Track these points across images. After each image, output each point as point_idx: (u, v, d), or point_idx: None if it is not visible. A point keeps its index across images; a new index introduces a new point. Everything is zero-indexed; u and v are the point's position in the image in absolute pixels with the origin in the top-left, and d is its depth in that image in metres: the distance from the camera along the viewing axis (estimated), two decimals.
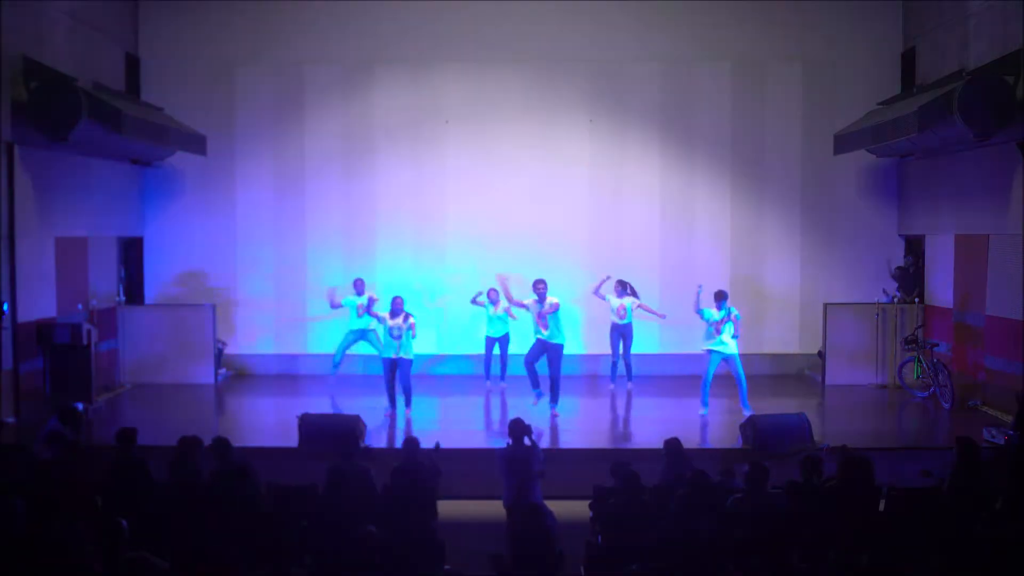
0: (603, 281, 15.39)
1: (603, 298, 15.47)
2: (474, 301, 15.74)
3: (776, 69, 17.30)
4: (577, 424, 13.48)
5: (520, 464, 9.46)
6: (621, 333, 15.47)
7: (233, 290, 17.27)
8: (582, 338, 16.96)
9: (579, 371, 16.53)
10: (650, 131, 17.28)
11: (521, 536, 7.35)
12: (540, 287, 13.58)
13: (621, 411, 14.74)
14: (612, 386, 15.67)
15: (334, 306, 15.85)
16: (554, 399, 13.59)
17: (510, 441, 9.64)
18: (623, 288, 15.42)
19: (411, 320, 13.40)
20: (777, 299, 17.22)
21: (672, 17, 17.21)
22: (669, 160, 17.31)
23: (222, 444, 9.14)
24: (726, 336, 13.43)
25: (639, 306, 15.49)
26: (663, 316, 15.63)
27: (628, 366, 15.58)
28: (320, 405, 13.71)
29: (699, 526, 7.34)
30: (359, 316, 15.71)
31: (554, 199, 17.21)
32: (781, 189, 17.34)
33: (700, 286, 13.76)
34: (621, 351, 15.56)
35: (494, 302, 15.50)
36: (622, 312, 15.37)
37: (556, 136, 17.25)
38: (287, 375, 17.14)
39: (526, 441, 9.63)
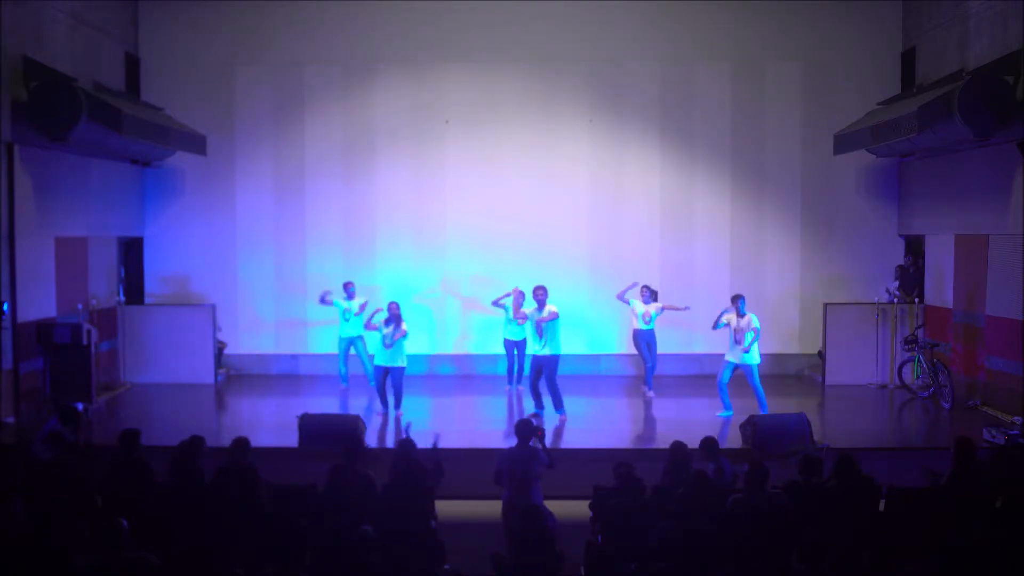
0: (630, 287, 15.21)
1: (627, 303, 15.27)
2: (496, 303, 15.63)
3: (776, 69, 17.30)
4: (577, 424, 13.46)
5: (522, 464, 9.45)
6: (647, 340, 15.31)
7: (233, 290, 17.27)
8: (584, 339, 16.97)
9: (580, 371, 16.53)
10: (650, 131, 17.28)
11: (519, 537, 7.35)
12: (540, 294, 13.38)
13: (621, 411, 14.73)
14: (652, 393, 15.25)
15: (323, 302, 15.75)
16: (558, 406, 13.48)
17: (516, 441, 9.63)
18: (651, 295, 15.31)
19: (403, 327, 13.45)
20: (777, 299, 17.22)
21: (672, 17, 17.22)
22: (669, 160, 17.31)
23: (241, 444, 9.14)
24: (746, 344, 13.24)
25: (664, 308, 15.31)
26: (687, 307, 15.43)
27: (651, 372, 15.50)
28: (320, 405, 13.70)
29: (699, 526, 7.33)
30: (347, 321, 15.58)
31: (554, 199, 17.22)
32: (781, 189, 17.34)
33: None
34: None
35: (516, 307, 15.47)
36: (647, 318, 15.24)
37: (556, 136, 17.26)
38: (287, 375, 17.15)
39: (532, 443, 9.61)
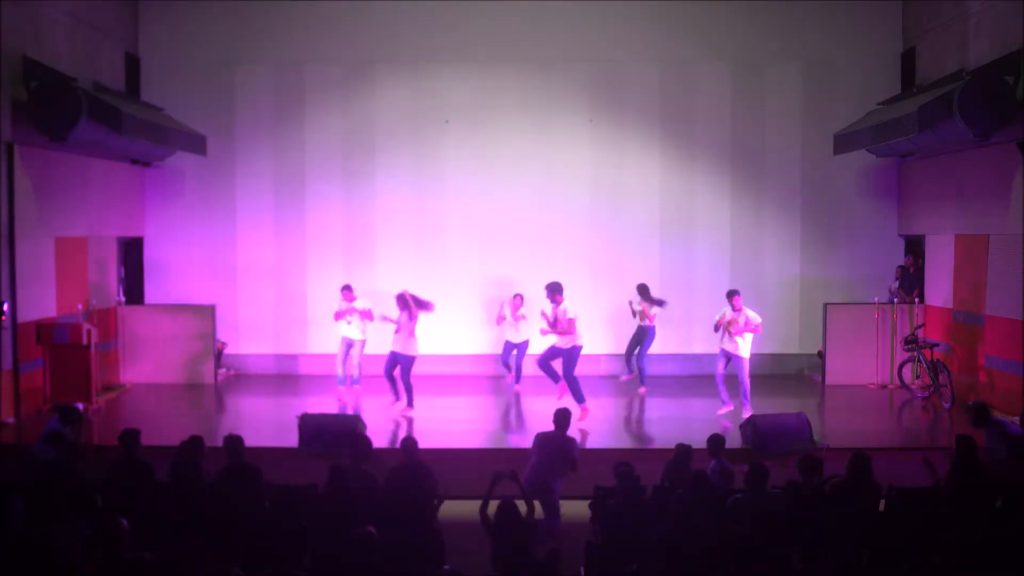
0: (635, 310, 15.47)
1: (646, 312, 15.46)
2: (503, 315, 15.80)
3: (776, 69, 17.30)
4: (578, 424, 13.45)
5: (555, 451, 9.68)
6: (639, 337, 15.55)
7: (233, 290, 17.27)
8: (583, 339, 16.92)
9: (579, 371, 16.47)
10: (650, 131, 17.28)
11: (494, 528, 7.42)
12: (559, 296, 13.39)
13: (621, 411, 14.73)
14: (626, 378, 15.72)
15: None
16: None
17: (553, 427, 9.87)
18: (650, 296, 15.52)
19: (413, 312, 13.76)
20: (777, 299, 17.21)
21: (672, 17, 17.21)
22: (669, 160, 17.31)
23: (235, 442, 9.14)
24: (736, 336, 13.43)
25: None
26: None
27: (643, 369, 15.61)
28: (320, 405, 13.70)
29: (699, 526, 7.34)
30: (348, 324, 15.51)
31: (554, 199, 17.22)
32: (781, 189, 17.34)
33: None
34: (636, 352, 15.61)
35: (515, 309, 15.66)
36: (653, 318, 15.50)
37: (556, 136, 17.26)
38: (287, 375, 17.15)
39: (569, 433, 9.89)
